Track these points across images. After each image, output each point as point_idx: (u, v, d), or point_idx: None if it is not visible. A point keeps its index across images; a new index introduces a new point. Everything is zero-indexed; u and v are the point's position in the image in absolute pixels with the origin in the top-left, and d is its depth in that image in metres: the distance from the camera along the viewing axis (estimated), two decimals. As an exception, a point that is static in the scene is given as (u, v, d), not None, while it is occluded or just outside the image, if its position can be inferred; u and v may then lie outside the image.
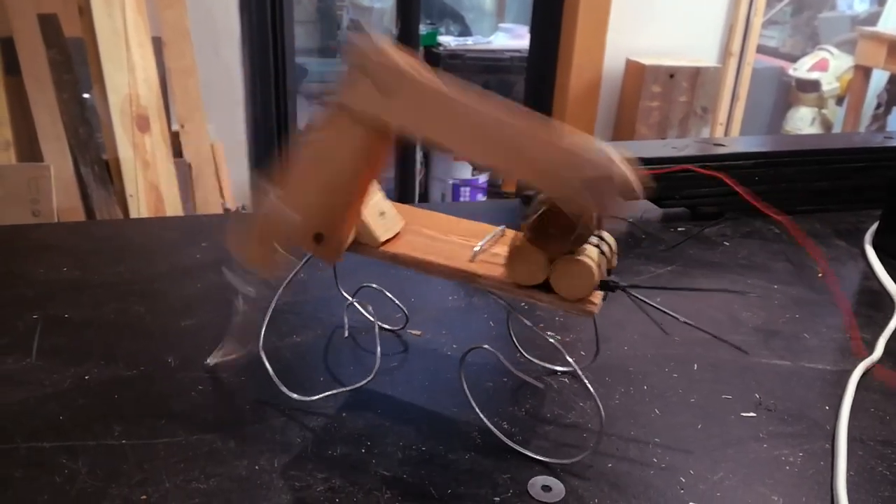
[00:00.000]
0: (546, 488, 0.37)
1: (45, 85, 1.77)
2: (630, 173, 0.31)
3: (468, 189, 2.95)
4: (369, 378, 0.45)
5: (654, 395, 0.46)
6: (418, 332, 0.52)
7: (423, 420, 0.43)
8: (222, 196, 2.10)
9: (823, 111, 3.39)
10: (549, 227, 0.35)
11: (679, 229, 0.72)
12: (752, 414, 0.45)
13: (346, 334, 0.51)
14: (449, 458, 0.40)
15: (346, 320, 0.52)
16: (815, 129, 3.31)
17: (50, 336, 0.49)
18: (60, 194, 1.79)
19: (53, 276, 0.56)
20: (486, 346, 0.42)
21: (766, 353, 0.52)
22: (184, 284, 0.56)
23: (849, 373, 0.49)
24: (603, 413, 0.38)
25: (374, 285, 0.52)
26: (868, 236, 0.72)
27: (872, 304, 0.60)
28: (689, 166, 0.47)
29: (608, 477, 0.39)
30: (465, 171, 2.87)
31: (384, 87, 0.34)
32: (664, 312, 0.38)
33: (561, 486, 0.38)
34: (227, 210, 2.11)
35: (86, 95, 1.87)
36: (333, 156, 0.37)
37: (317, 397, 0.44)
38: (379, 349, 0.47)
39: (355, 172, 0.38)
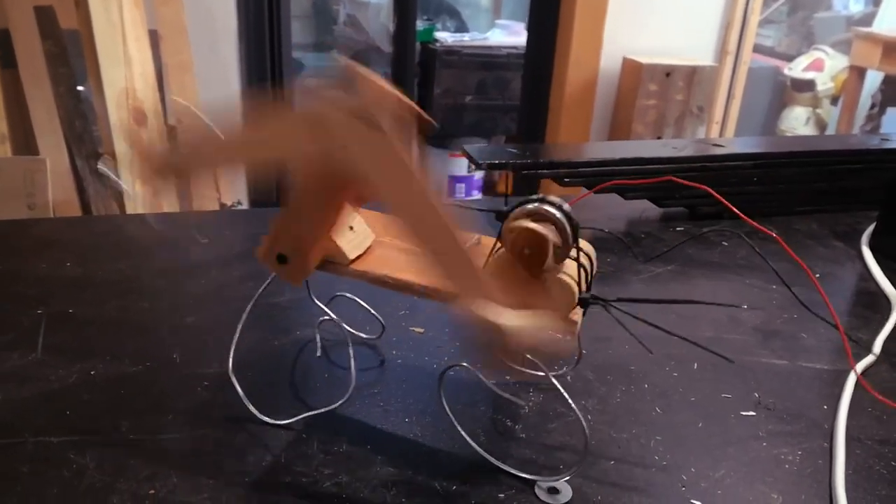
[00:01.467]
0: (553, 490, 0.38)
1: (41, 78, 1.77)
2: (526, 337, 0.31)
3: (463, 185, 2.96)
4: (345, 398, 0.44)
5: (655, 394, 0.47)
6: (420, 330, 0.52)
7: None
8: (218, 191, 2.10)
9: (818, 111, 3.41)
10: (524, 247, 0.35)
11: (678, 229, 0.72)
12: (751, 413, 0.46)
13: (319, 353, 0.49)
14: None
15: (318, 339, 0.50)
16: (809, 129, 3.33)
17: (54, 332, 0.49)
18: (56, 188, 1.78)
19: (55, 273, 0.57)
20: (464, 363, 0.42)
21: (765, 353, 0.52)
22: (186, 281, 0.56)
23: (846, 373, 0.50)
24: (586, 427, 0.37)
25: (348, 295, 0.51)
26: (865, 237, 0.73)
27: (869, 305, 0.61)
28: (674, 179, 0.48)
29: (610, 475, 0.39)
30: (461, 168, 2.87)
31: (341, 140, 0.31)
32: (653, 326, 0.38)
33: (569, 488, 0.38)
34: (223, 206, 2.11)
35: (80, 88, 1.86)
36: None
37: (290, 420, 0.42)
38: (354, 368, 0.46)
39: (320, 206, 0.36)
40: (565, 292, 0.35)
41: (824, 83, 3.35)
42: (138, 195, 1.80)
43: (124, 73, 1.77)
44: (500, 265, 0.36)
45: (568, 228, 0.35)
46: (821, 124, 3.40)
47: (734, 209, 0.44)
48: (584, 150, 0.77)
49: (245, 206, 2.19)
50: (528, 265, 0.35)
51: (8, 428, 0.40)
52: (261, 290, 0.41)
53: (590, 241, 0.40)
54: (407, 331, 0.52)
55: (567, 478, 0.38)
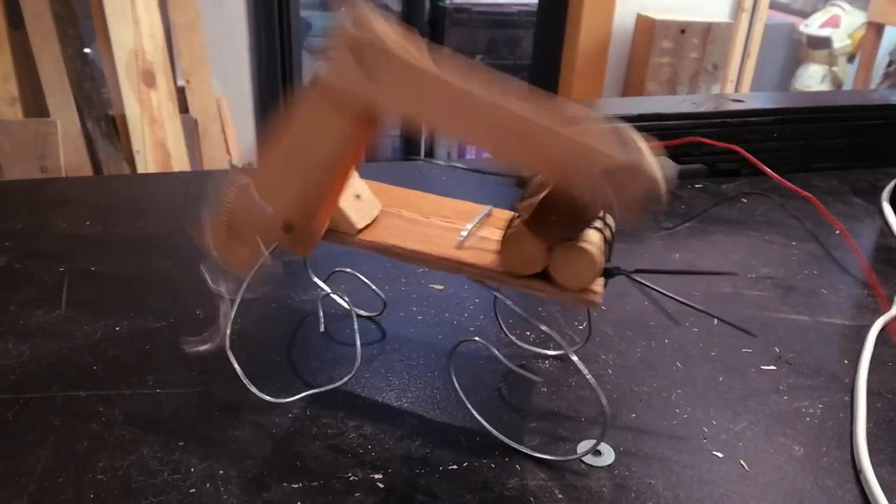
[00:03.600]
0: (595, 452, 0.38)
1: (50, 39, 1.75)
2: (658, 168, 0.29)
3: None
4: (350, 375, 0.42)
5: (674, 349, 0.47)
6: (440, 287, 0.52)
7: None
8: (228, 152, 2.09)
9: (834, 69, 3.35)
10: (550, 213, 0.32)
11: (696, 186, 0.72)
12: (772, 367, 0.46)
13: (322, 328, 0.47)
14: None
15: (321, 314, 0.48)
16: (825, 87, 3.27)
17: (77, 289, 0.49)
18: (68, 150, 1.78)
19: (76, 231, 0.57)
20: (477, 338, 0.40)
21: (785, 309, 0.52)
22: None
23: (867, 328, 0.49)
24: (605, 403, 0.35)
25: (348, 270, 0.50)
26: (885, 193, 0.72)
27: (890, 260, 0.61)
28: (702, 139, 0.47)
29: (632, 428, 0.40)
30: (472, 129, 2.85)
31: (368, 68, 0.30)
32: (674, 299, 0.37)
33: (611, 450, 0.38)
34: (233, 166, 2.11)
35: (87, 50, 1.85)
36: (312, 143, 0.33)
37: (292, 398, 0.40)
38: (359, 344, 0.44)
39: (334, 162, 0.34)
40: (589, 262, 0.32)
41: (841, 40, 3.29)
42: (148, 157, 1.80)
43: (133, 33, 1.75)
44: (520, 234, 0.33)
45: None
46: (836, 82, 3.35)
47: (767, 170, 0.43)
48: (603, 105, 0.76)
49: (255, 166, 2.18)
50: (551, 234, 0.33)
51: (37, 381, 0.40)
52: (266, 255, 0.38)
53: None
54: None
55: (591, 449, 0.37)
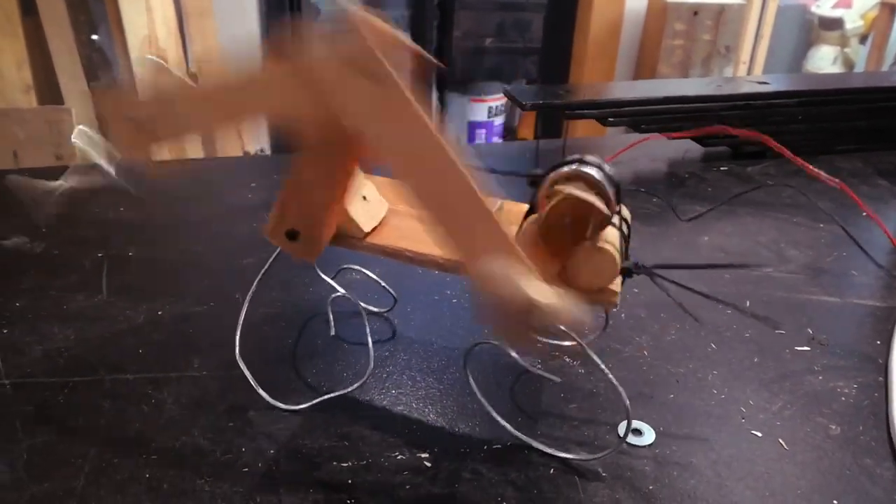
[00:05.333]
0: (636, 432, 0.39)
1: (63, 26, 1.76)
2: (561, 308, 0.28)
3: (484, 131, 2.93)
4: (363, 380, 0.41)
5: (708, 331, 0.47)
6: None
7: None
8: (241, 139, 2.10)
9: (846, 50, 3.32)
10: (564, 216, 0.31)
11: (721, 169, 0.72)
12: (805, 348, 0.46)
13: (333, 332, 0.45)
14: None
15: (330, 317, 0.46)
16: (836, 69, 3.24)
17: (116, 274, 0.50)
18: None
19: (111, 217, 0.57)
20: (492, 341, 0.38)
21: (815, 290, 0.53)
22: (239, 224, 0.57)
23: (898, 309, 0.50)
24: (626, 398, 0.33)
25: (355, 267, 0.49)
26: (910, 175, 0.72)
27: (917, 242, 0.61)
28: (727, 128, 0.47)
29: (671, 408, 0.40)
30: (482, 113, 2.84)
31: (368, 76, 0.28)
32: (698, 293, 0.36)
33: (651, 430, 0.39)
34: (246, 153, 2.11)
35: (95, 37, 1.85)
36: (256, 92, 0.31)
37: (306, 405, 0.39)
38: (371, 349, 0.43)
39: (326, 163, 0.32)
40: (607, 262, 0.32)
41: (853, 21, 3.25)
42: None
43: (146, 20, 1.75)
44: (533, 234, 0.33)
45: (611, 192, 0.32)
46: (849, 64, 3.32)
47: (794, 157, 0.43)
48: (627, 89, 0.76)
49: (268, 153, 2.18)
50: (567, 235, 0.32)
51: (85, 365, 0.41)
52: (265, 268, 0.39)
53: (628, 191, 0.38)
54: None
55: (611, 451, 0.36)
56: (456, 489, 0.34)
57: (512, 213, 0.38)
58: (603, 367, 0.32)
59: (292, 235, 0.35)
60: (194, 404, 0.39)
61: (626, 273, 0.33)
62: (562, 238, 0.32)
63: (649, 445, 0.37)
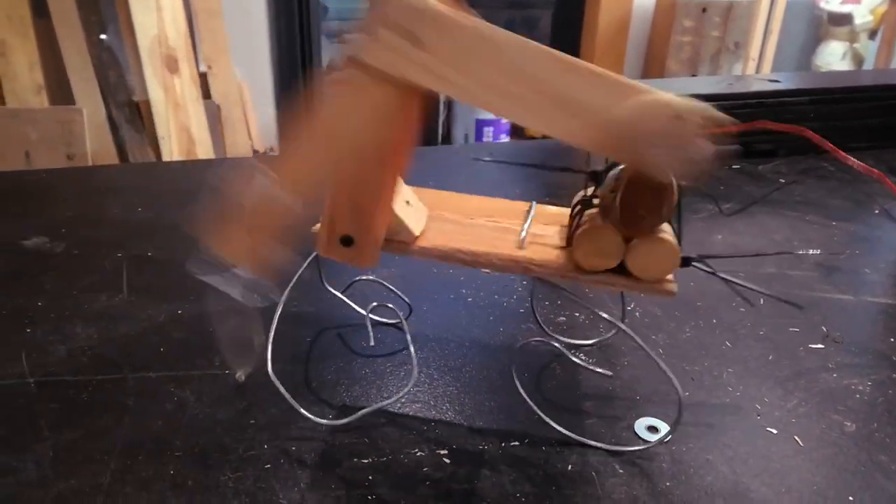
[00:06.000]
0: (652, 429, 0.39)
1: (74, 27, 1.77)
2: (697, 107, 0.27)
3: (491, 129, 2.93)
4: (406, 389, 0.41)
5: (723, 329, 0.48)
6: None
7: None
8: (250, 137, 2.11)
9: (855, 46, 3.30)
10: (637, 206, 0.31)
11: (734, 167, 0.72)
12: (819, 346, 0.46)
13: (372, 342, 0.45)
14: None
15: (369, 326, 0.45)
16: (845, 65, 3.23)
17: (136, 274, 0.51)
18: (93, 137, 1.80)
19: (129, 217, 0.58)
20: (538, 338, 0.38)
21: (828, 288, 0.53)
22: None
23: (912, 306, 0.50)
24: (677, 385, 0.34)
25: (368, 277, 0.49)
26: (923, 173, 0.72)
27: (930, 240, 0.61)
28: (768, 124, 0.46)
29: (686, 404, 0.40)
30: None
31: (416, 36, 0.28)
32: (748, 287, 0.36)
33: (667, 427, 0.39)
34: (255, 152, 2.12)
35: (103, 37, 1.86)
36: (349, 126, 0.30)
37: (348, 419, 0.38)
38: (415, 358, 0.42)
39: (376, 144, 0.31)
40: (670, 253, 0.32)
41: (862, 16, 3.24)
42: (173, 143, 1.81)
43: (156, 19, 1.76)
44: (599, 230, 0.33)
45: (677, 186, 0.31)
46: (858, 60, 3.30)
47: (839, 152, 0.43)
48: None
49: (277, 152, 2.19)
50: (643, 225, 0.32)
51: (108, 363, 0.42)
52: (298, 273, 0.38)
53: None
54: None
55: (666, 434, 0.37)
56: (475, 485, 0.35)
57: (545, 215, 0.38)
58: (649, 350, 0.34)
59: (347, 241, 0.34)
60: (216, 402, 0.39)
61: (684, 263, 0.33)
62: (638, 226, 0.32)
63: (665, 443, 0.38)
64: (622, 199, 0.31)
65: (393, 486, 0.34)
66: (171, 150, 1.84)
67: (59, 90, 1.82)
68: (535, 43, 0.28)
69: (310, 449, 0.36)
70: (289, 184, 0.31)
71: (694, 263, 0.34)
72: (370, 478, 0.35)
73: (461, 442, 0.37)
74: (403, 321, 0.43)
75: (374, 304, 0.45)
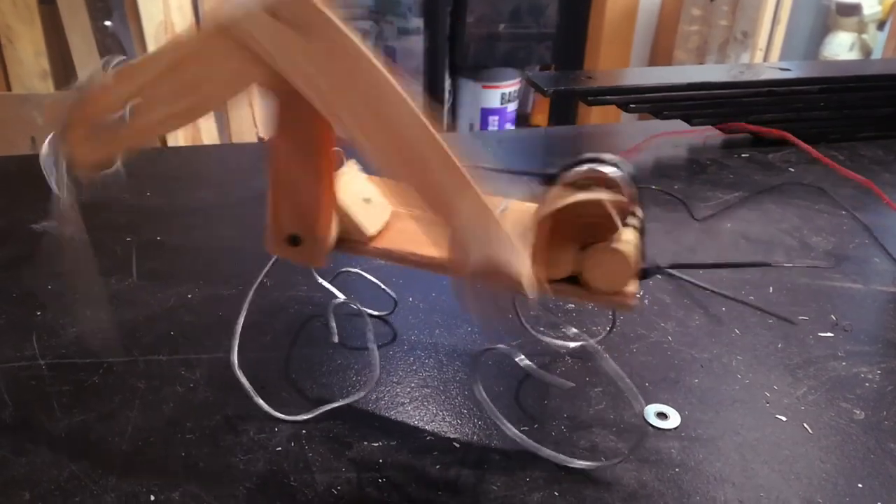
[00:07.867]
0: (662, 415, 0.39)
1: (80, 13, 1.76)
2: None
3: (496, 118, 2.92)
4: (368, 390, 0.40)
5: (732, 317, 0.48)
6: None
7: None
8: (255, 125, 2.10)
9: (863, 36, 3.27)
10: (581, 216, 0.29)
11: (742, 155, 0.72)
12: (829, 334, 0.46)
13: (336, 339, 0.43)
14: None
15: (332, 323, 0.43)
16: (853, 55, 3.21)
17: (146, 258, 0.51)
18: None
19: (138, 203, 0.58)
20: (500, 345, 0.35)
21: (838, 277, 0.53)
22: (264, 208, 0.58)
23: (922, 296, 0.50)
24: (640, 398, 0.33)
25: (354, 270, 0.48)
26: (932, 163, 0.72)
27: (939, 230, 0.61)
28: (753, 126, 0.46)
29: (696, 393, 0.41)
30: (495, 100, 2.83)
31: (306, 28, 0.26)
32: (720, 294, 0.35)
33: (676, 413, 0.39)
34: (261, 139, 2.12)
35: (107, 23, 1.86)
36: (205, 77, 0.29)
37: (309, 415, 0.38)
38: (377, 358, 0.40)
39: (299, 145, 0.30)
40: (625, 264, 0.30)
41: (871, 7, 3.21)
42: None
43: (162, 6, 1.76)
44: (544, 234, 0.30)
45: (629, 192, 0.30)
46: (866, 50, 3.28)
47: (822, 156, 0.43)
48: (648, 75, 0.76)
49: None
50: (585, 236, 0.30)
51: (118, 347, 0.42)
52: (261, 276, 0.39)
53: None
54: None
55: (621, 459, 0.35)
56: (485, 469, 0.35)
57: (519, 212, 0.36)
58: (615, 365, 0.32)
59: (294, 241, 0.33)
60: (226, 385, 0.39)
61: (644, 274, 0.32)
62: (572, 238, 0.30)
63: (675, 429, 0.38)
64: (568, 210, 0.29)
65: (403, 468, 0.35)
66: (177, 136, 1.83)
67: (65, 76, 1.82)
68: (412, 105, 0.27)
69: (320, 432, 0.37)
70: (118, 85, 0.30)
71: (668, 270, 0.33)
72: (380, 461, 0.35)
73: (470, 428, 0.37)
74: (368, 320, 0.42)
75: (336, 300, 0.43)
